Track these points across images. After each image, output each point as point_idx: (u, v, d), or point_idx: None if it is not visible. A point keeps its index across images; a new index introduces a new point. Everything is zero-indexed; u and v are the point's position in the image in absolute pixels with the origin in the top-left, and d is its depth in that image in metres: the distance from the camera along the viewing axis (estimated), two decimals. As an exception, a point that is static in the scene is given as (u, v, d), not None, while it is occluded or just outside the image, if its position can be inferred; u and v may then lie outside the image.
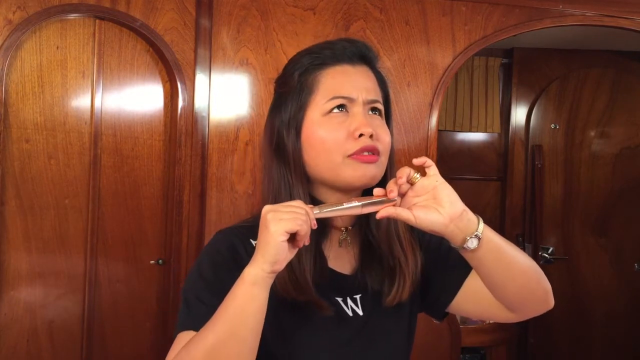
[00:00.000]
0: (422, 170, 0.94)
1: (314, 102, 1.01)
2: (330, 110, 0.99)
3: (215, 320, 0.85)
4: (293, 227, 0.83)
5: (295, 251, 0.87)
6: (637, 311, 3.54)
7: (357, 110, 0.99)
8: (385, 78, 1.10)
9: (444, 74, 2.32)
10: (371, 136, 0.97)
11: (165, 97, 2.14)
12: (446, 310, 1.11)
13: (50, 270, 2.01)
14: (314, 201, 1.01)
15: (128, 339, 2.11)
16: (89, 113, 2.06)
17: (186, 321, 0.92)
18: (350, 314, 1.02)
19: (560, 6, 2.38)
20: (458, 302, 1.08)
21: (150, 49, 2.12)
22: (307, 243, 0.87)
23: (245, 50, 2.15)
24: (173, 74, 2.09)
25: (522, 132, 3.61)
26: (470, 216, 0.92)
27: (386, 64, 2.28)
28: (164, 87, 2.14)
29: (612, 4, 2.42)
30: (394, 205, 0.91)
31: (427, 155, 2.29)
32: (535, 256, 3.47)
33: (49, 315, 2.02)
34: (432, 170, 0.93)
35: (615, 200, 3.57)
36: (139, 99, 2.12)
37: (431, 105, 2.32)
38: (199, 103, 2.13)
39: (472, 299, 1.07)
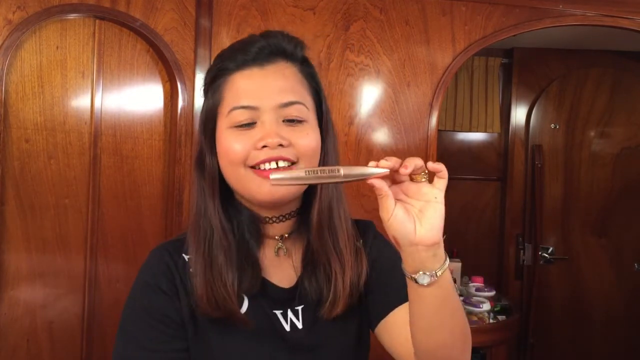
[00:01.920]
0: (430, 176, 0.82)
1: (220, 113, 0.94)
2: (235, 124, 0.91)
3: None
4: None
5: None
6: (637, 311, 3.54)
7: (265, 118, 0.91)
8: (314, 70, 0.99)
9: (444, 74, 2.32)
10: (281, 145, 0.89)
11: (165, 97, 2.14)
12: (375, 332, 1.02)
13: (50, 270, 2.01)
14: (237, 223, 0.96)
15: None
16: (88, 113, 2.06)
17: None
18: (288, 328, 0.95)
19: (560, 6, 2.38)
20: (380, 327, 1.00)
21: (150, 49, 2.11)
22: None
23: (245, 50, 2.15)
24: (173, 74, 2.09)
25: (522, 132, 3.62)
26: (439, 252, 0.78)
27: (386, 63, 2.28)
28: (164, 87, 2.14)
29: (612, 4, 2.42)
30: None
31: (427, 155, 2.29)
32: (535, 256, 3.47)
33: (49, 315, 2.02)
34: (442, 184, 0.79)
35: (615, 200, 3.57)
36: (139, 99, 2.12)
37: (431, 105, 2.32)
38: (199, 103, 2.13)
39: (390, 330, 0.98)
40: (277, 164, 0.90)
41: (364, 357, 1.04)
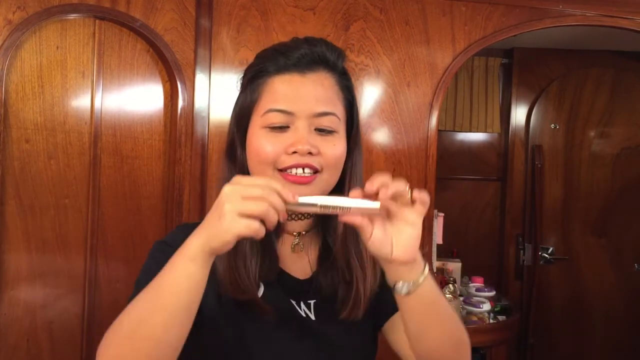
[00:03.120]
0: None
1: (256, 112, 0.96)
2: (269, 125, 0.94)
3: (148, 290, 0.81)
4: (247, 231, 0.75)
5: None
6: (637, 311, 3.54)
7: (299, 124, 0.93)
8: (351, 82, 1.02)
9: (444, 74, 2.32)
10: (310, 153, 0.92)
11: (165, 97, 2.14)
12: (383, 332, 1.07)
13: (50, 270, 2.01)
14: None
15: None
16: (88, 113, 2.06)
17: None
18: (303, 315, 0.98)
19: (560, 6, 2.38)
20: (387, 326, 1.05)
21: (150, 49, 2.11)
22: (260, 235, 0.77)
23: (245, 51, 2.15)
24: (173, 74, 2.09)
25: (522, 132, 3.62)
26: (416, 266, 0.84)
27: (386, 63, 2.28)
28: (164, 87, 2.14)
29: (612, 4, 2.42)
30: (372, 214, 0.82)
31: (427, 156, 2.30)
32: (535, 256, 3.47)
33: (49, 315, 2.02)
34: (422, 209, 0.81)
35: (615, 200, 3.57)
36: (139, 99, 2.12)
37: (431, 105, 2.32)
38: (199, 103, 2.13)
39: (396, 331, 1.02)
40: (303, 170, 0.93)
41: (371, 353, 1.07)
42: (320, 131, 0.95)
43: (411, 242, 0.82)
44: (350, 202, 0.80)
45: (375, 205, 0.80)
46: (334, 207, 0.80)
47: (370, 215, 0.81)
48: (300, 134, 0.92)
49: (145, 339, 0.79)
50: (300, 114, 0.93)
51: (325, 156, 0.94)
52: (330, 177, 0.97)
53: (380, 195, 0.79)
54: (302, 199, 0.80)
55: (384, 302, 1.01)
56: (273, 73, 0.96)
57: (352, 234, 0.98)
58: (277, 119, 0.93)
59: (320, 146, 0.93)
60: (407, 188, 0.81)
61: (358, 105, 1.04)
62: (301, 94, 0.94)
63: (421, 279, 0.84)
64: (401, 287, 0.84)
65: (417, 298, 0.85)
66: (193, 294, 0.80)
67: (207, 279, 0.80)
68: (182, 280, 0.78)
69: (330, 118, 0.95)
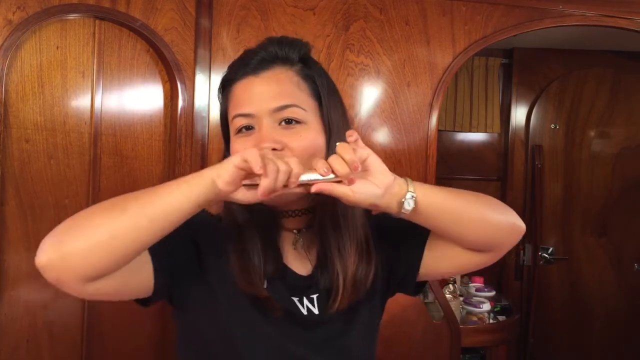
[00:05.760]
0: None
1: (229, 120, 1.02)
2: (237, 129, 0.98)
3: (137, 195, 0.86)
4: (242, 163, 0.81)
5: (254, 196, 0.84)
6: (637, 311, 3.54)
7: (262, 123, 0.96)
8: (315, 70, 1.03)
9: (444, 74, 2.32)
10: (275, 149, 0.94)
11: (165, 97, 2.14)
12: (418, 281, 1.10)
13: (50, 270, 2.01)
14: (259, 214, 1.01)
15: (128, 339, 2.11)
16: (88, 113, 2.06)
17: None
18: (305, 312, 1.01)
19: (560, 6, 2.38)
20: (427, 268, 1.07)
21: (150, 49, 2.11)
22: (264, 197, 0.82)
23: (245, 50, 2.15)
24: (173, 74, 2.09)
25: (522, 132, 3.62)
26: (399, 180, 0.91)
27: (386, 63, 2.29)
28: (163, 87, 2.14)
29: (612, 4, 2.42)
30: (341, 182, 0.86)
31: (427, 156, 2.30)
32: (535, 256, 3.47)
33: (49, 315, 2.02)
34: (360, 143, 0.89)
35: (615, 200, 3.57)
36: (139, 99, 2.12)
37: (431, 105, 2.32)
38: (199, 103, 2.13)
39: (441, 259, 1.05)
40: None
41: (374, 349, 1.10)
42: (288, 123, 0.97)
43: (381, 167, 0.89)
44: (309, 177, 0.86)
45: (330, 177, 0.86)
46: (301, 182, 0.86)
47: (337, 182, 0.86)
48: (263, 133, 0.95)
49: (104, 232, 0.83)
50: (259, 113, 0.96)
51: (293, 149, 0.95)
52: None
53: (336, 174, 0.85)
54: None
55: (405, 265, 1.07)
56: (234, 81, 1.01)
57: (335, 229, 1.01)
58: (241, 122, 0.98)
59: (286, 140, 0.95)
60: (344, 151, 0.85)
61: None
62: (256, 93, 0.97)
63: (410, 185, 0.90)
64: (408, 203, 0.90)
65: (425, 201, 0.91)
66: (176, 216, 0.83)
67: (193, 211, 0.84)
68: (174, 201, 0.83)
69: (292, 110, 0.97)
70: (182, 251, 0.97)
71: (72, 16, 2.01)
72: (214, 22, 2.13)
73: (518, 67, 3.58)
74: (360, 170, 0.86)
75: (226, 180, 0.82)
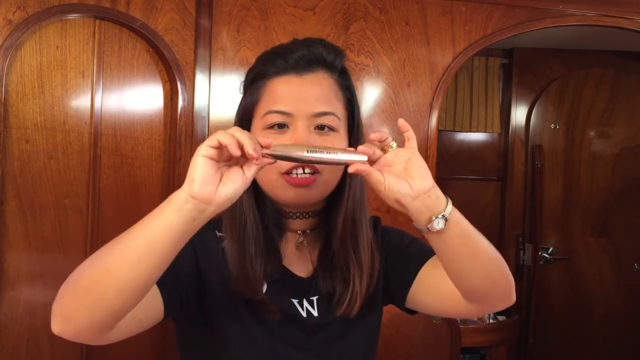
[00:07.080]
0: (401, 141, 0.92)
1: (256, 114, 0.99)
2: (268, 125, 0.96)
3: (118, 240, 0.80)
4: (213, 141, 0.76)
5: (236, 178, 0.78)
6: (637, 311, 3.54)
7: (298, 125, 0.95)
8: (351, 82, 1.03)
9: (444, 74, 2.32)
10: None
11: (165, 97, 2.14)
12: (406, 306, 1.08)
13: (50, 270, 2.01)
14: (264, 215, 1.00)
15: (128, 339, 2.10)
16: (88, 113, 2.06)
17: None
18: (305, 315, 1.01)
19: (560, 6, 2.38)
20: (415, 293, 1.05)
21: (150, 49, 2.11)
22: (254, 158, 0.77)
23: (245, 50, 2.15)
24: (173, 74, 2.09)
25: (522, 132, 3.61)
26: (439, 194, 0.85)
27: (386, 63, 2.29)
28: (164, 87, 2.14)
29: (612, 4, 2.42)
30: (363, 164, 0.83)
31: (427, 155, 2.30)
32: (535, 256, 3.47)
33: (49, 315, 2.01)
34: (412, 141, 0.89)
35: (615, 200, 3.56)
36: (139, 99, 2.12)
37: (431, 105, 2.32)
38: (199, 103, 2.13)
39: (429, 290, 1.03)
40: (304, 170, 0.94)
41: (374, 353, 1.09)
42: (321, 129, 0.96)
43: (423, 169, 0.85)
44: (339, 155, 0.84)
45: (362, 157, 0.84)
46: (322, 159, 0.82)
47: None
48: (299, 134, 0.94)
49: (108, 287, 0.79)
50: (298, 114, 0.95)
51: None
52: (330, 178, 0.98)
53: (374, 150, 0.86)
54: (280, 148, 0.81)
55: (399, 278, 1.05)
56: (272, 75, 0.98)
57: (352, 237, 1.00)
58: (276, 119, 0.95)
59: None
60: (389, 137, 0.88)
61: (359, 104, 1.06)
62: (299, 94, 0.96)
63: (450, 207, 0.85)
64: (437, 222, 0.84)
65: (453, 229, 0.86)
66: (167, 244, 0.77)
67: (187, 238, 0.79)
68: (157, 229, 0.77)
69: (329, 117, 0.97)
70: (187, 267, 0.95)
71: (72, 16, 2.01)
72: (214, 22, 2.13)
73: (518, 67, 3.58)
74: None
75: (200, 179, 0.76)
